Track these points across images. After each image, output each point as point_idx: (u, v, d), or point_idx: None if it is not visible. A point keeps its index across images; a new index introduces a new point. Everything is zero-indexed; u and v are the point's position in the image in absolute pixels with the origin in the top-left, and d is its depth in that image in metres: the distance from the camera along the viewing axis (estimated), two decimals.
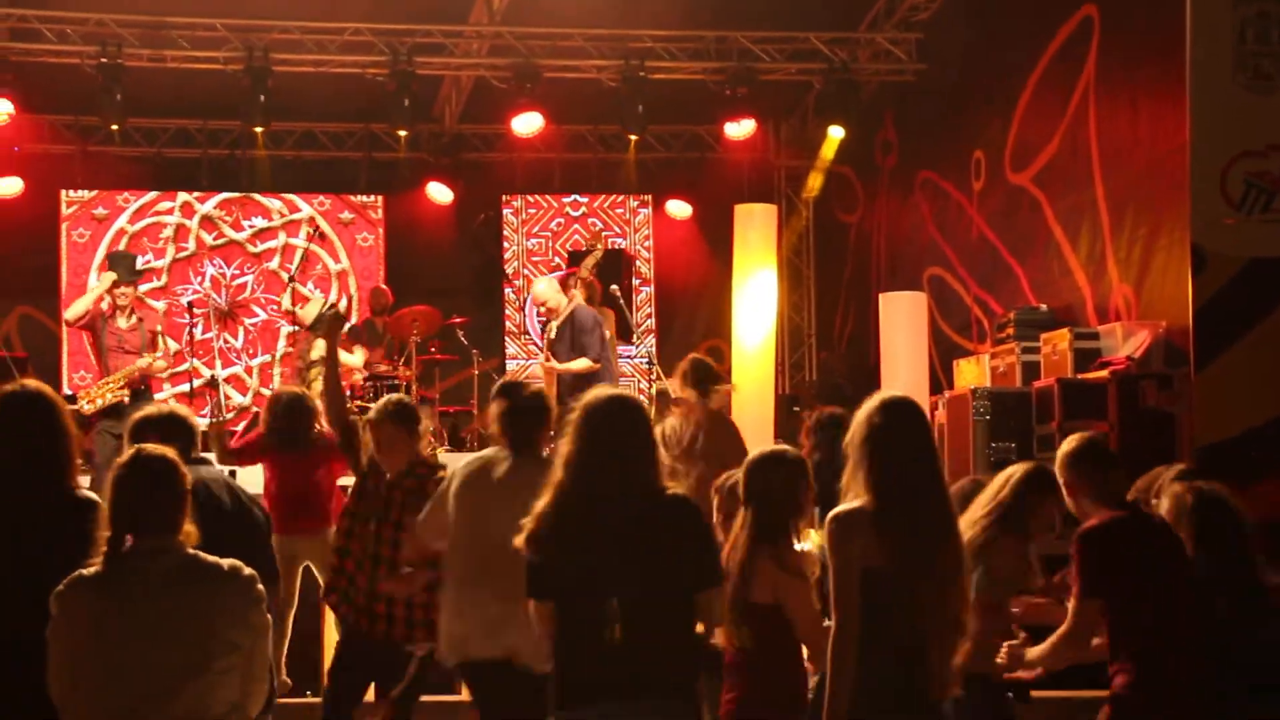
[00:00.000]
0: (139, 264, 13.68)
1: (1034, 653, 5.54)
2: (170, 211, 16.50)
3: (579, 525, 4.96)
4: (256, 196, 16.61)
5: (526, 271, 16.86)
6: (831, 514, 5.01)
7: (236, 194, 16.61)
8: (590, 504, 4.97)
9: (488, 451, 6.52)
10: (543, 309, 12.28)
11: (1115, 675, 5.47)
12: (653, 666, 4.93)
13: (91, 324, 12.59)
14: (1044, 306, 12.23)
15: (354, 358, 12.86)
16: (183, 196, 16.49)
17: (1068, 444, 5.76)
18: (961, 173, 14.01)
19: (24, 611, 4.74)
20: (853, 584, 4.90)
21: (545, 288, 12.28)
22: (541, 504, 5.04)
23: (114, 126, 15.05)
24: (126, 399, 11.82)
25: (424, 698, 7.36)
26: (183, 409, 6.13)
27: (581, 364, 11.70)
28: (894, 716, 4.87)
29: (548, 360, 11.88)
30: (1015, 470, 5.87)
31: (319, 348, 12.51)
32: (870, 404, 5.04)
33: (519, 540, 5.08)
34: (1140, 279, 11.17)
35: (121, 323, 12.40)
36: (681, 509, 5.07)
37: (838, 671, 4.92)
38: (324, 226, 16.64)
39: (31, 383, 5.42)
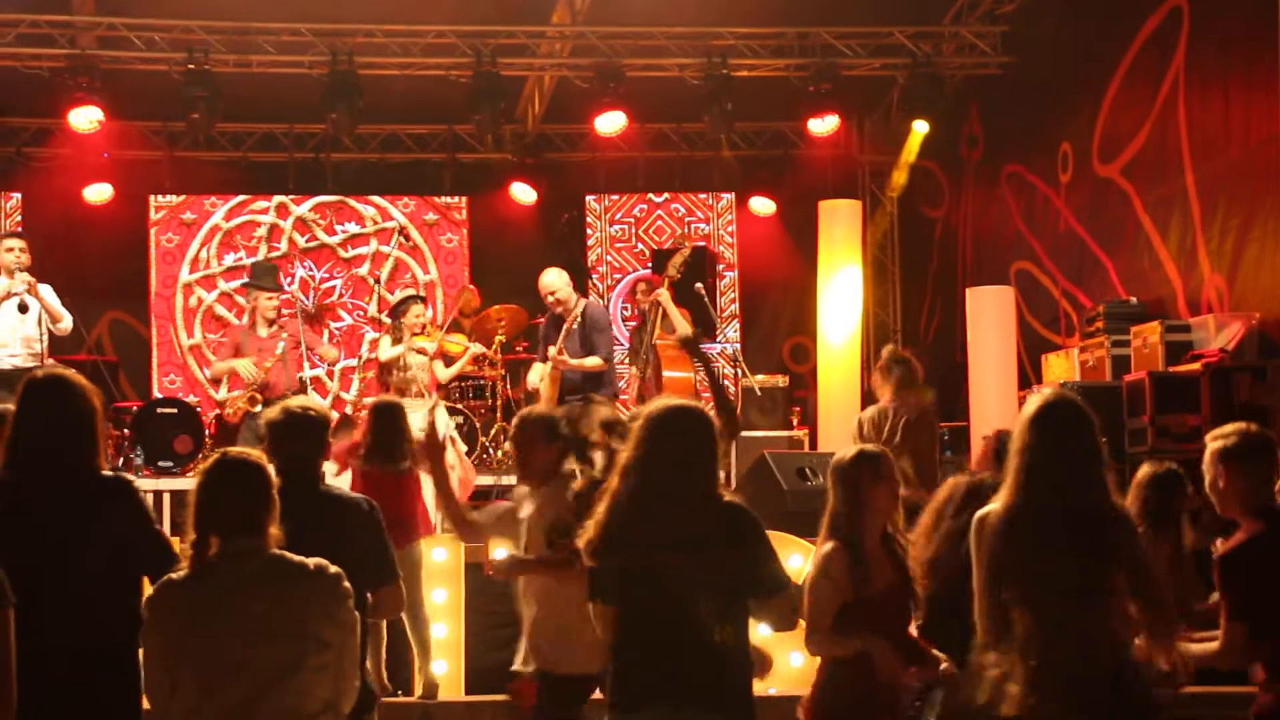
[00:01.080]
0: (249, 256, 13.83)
1: (1193, 649, 5.29)
2: (265, 211, 16.60)
3: (637, 531, 4.97)
4: (351, 202, 16.66)
5: (610, 259, 16.88)
6: (976, 515, 5.01)
7: (332, 198, 16.69)
8: (648, 510, 4.98)
9: None
10: (550, 299, 12.17)
11: (1262, 693, 5.29)
12: (710, 673, 4.95)
13: (231, 337, 12.71)
14: (1134, 299, 12.10)
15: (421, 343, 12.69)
16: (278, 198, 16.60)
17: (1224, 437, 5.40)
18: (1048, 165, 13.87)
19: (51, 594, 4.79)
20: (986, 584, 4.88)
21: (555, 278, 12.19)
22: (600, 510, 5.08)
23: (201, 132, 15.24)
24: (260, 406, 11.92)
25: None
26: (318, 406, 6.07)
27: (591, 362, 11.82)
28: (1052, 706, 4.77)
29: (560, 353, 11.87)
30: (1142, 475, 5.68)
31: (384, 348, 12.55)
32: (1029, 404, 5.00)
33: (580, 544, 5.11)
34: (1233, 270, 11.02)
35: (262, 332, 12.52)
36: (738, 516, 5.08)
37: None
38: (416, 238, 16.68)
39: (55, 367, 5.47)
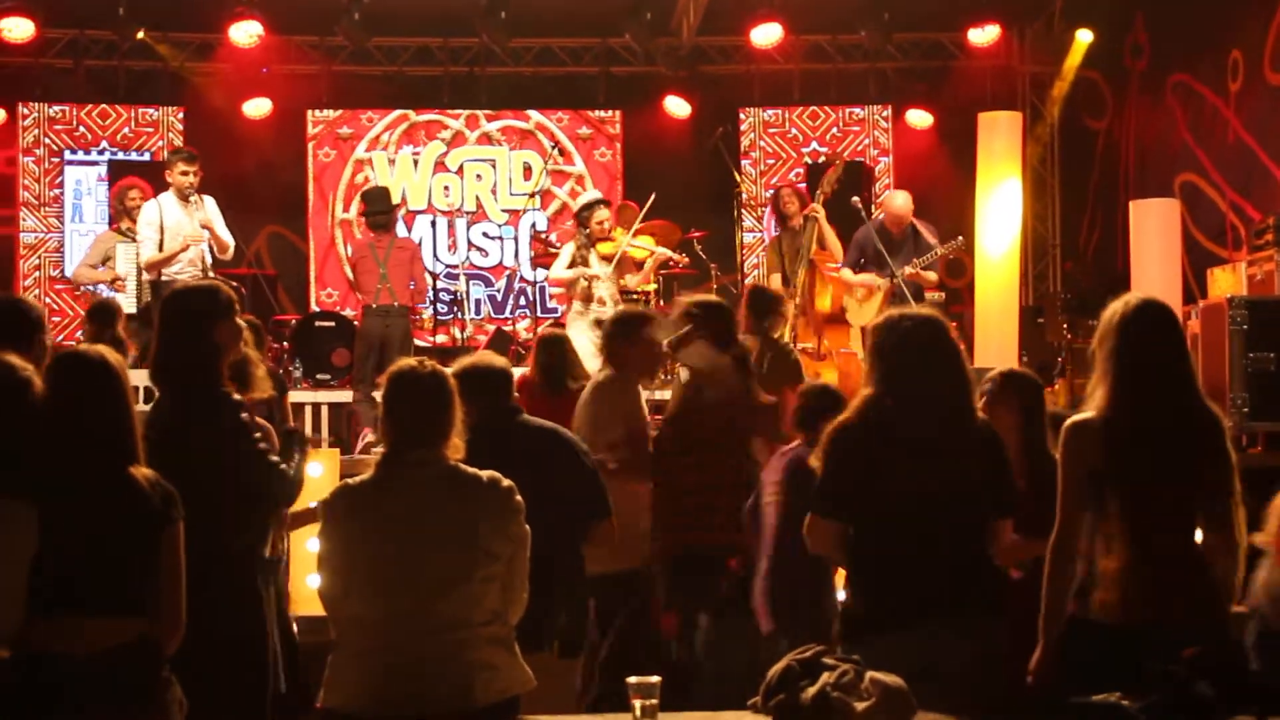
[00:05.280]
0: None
1: None
2: (457, 117, 16.72)
3: (884, 446, 4.91)
4: (539, 135, 16.63)
5: (762, 183, 16.76)
6: (1067, 422, 4.90)
7: (524, 124, 16.71)
8: (897, 424, 4.93)
9: None
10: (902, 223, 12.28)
11: None
12: (960, 588, 4.89)
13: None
14: None
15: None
16: (470, 111, 16.71)
17: None
18: (1217, 74, 13.49)
19: (205, 520, 4.86)
20: (1078, 491, 4.79)
21: (908, 202, 12.37)
22: (845, 421, 5.02)
23: (358, 45, 15.34)
24: None
25: None
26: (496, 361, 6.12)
27: (933, 276, 12.23)
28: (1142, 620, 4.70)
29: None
30: None
31: (558, 264, 12.42)
32: (1115, 306, 4.89)
33: (813, 460, 5.06)
34: None
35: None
36: (984, 433, 5.02)
37: (1051, 577, 4.83)
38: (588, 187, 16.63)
39: (194, 283, 5.60)
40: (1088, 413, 4.82)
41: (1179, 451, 4.75)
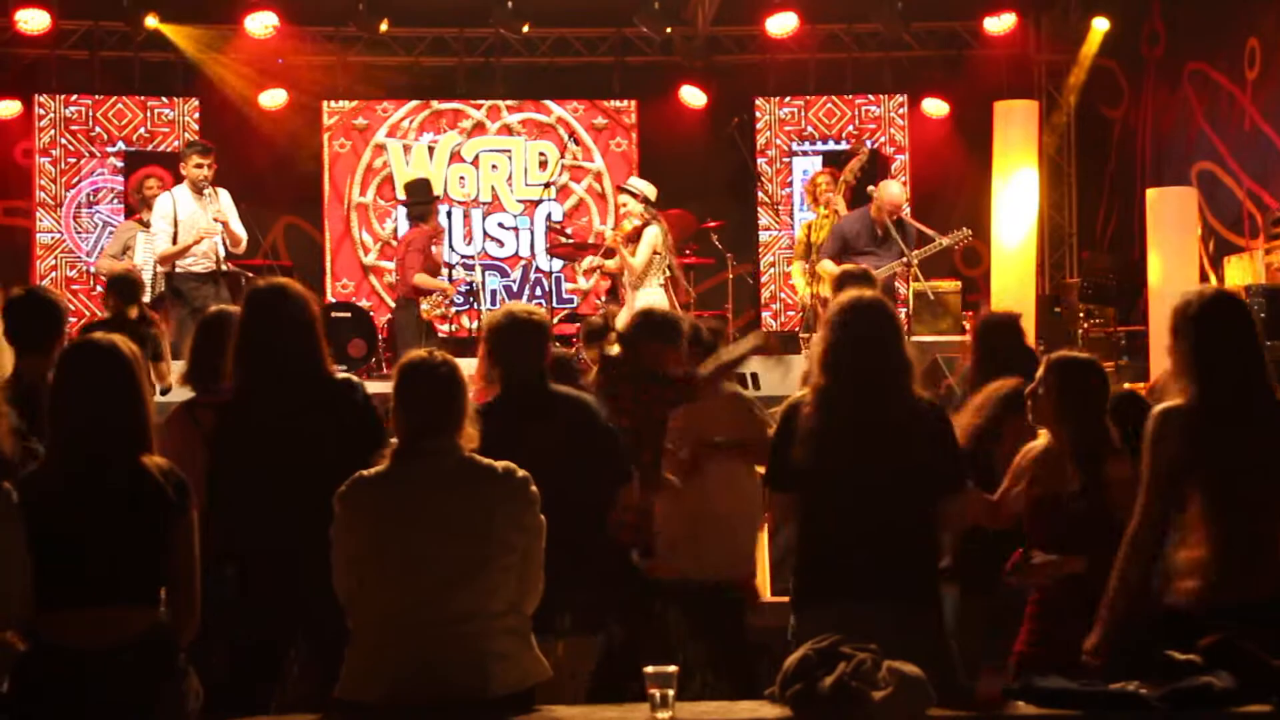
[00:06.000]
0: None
1: None
2: (479, 107, 16.69)
3: (828, 423, 4.95)
4: (560, 130, 16.58)
5: (776, 168, 16.71)
6: (1155, 410, 4.91)
7: (546, 118, 16.68)
8: (837, 399, 5.00)
9: None
10: (898, 215, 12.28)
11: None
12: (896, 568, 4.95)
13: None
14: None
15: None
16: (491, 102, 16.67)
17: None
18: (1234, 62, 13.46)
19: (305, 489, 4.85)
20: (1162, 479, 4.79)
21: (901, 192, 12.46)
22: (794, 400, 5.14)
23: (380, 28, 15.33)
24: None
25: None
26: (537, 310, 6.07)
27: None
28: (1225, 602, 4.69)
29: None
30: None
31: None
32: (1190, 298, 4.92)
33: (769, 431, 5.18)
34: None
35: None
36: (929, 413, 5.08)
37: (1126, 565, 4.83)
38: (606, 186, 16.52)
39: (278, 280, 5.61)
40: (1174, 400, 4.87)
41: (1261, 441, 4.80)
